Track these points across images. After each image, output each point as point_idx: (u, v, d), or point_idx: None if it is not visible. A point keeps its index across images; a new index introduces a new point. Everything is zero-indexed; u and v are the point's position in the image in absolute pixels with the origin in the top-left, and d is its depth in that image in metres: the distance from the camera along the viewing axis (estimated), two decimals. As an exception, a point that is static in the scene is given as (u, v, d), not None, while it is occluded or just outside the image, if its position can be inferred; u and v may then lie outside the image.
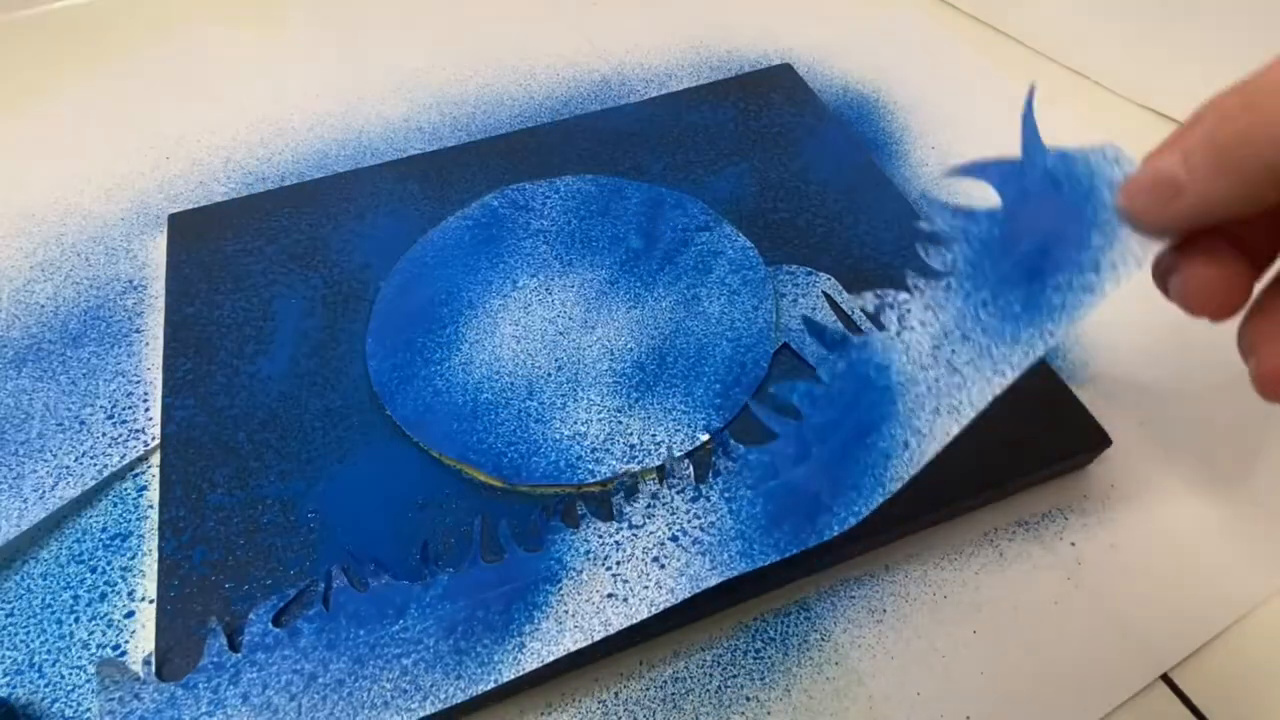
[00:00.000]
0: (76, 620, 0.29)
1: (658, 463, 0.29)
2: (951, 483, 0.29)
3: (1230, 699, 0.27)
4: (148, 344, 0.36)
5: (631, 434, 0.30)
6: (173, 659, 0.26)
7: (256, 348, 0.33)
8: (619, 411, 0.31)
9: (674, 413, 0.31)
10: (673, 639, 0.28)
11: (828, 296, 0.34)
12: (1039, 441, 0.30)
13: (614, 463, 0.30)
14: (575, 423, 0.31)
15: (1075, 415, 0.31)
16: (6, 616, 0.29)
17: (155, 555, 0.29)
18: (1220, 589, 0.29)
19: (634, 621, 0.25)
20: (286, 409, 0.32)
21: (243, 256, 0.37)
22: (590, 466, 0.29)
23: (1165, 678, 0.28)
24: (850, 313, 0.34)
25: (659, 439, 0.30)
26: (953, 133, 0.44)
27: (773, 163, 0.40)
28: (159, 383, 0.33)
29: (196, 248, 0.37)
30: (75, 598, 0.29)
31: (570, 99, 0.46)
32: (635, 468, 0.29)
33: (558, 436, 0.30)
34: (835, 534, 0.25)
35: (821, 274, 0.35)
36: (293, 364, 0.33)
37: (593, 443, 0.30)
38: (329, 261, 0.36)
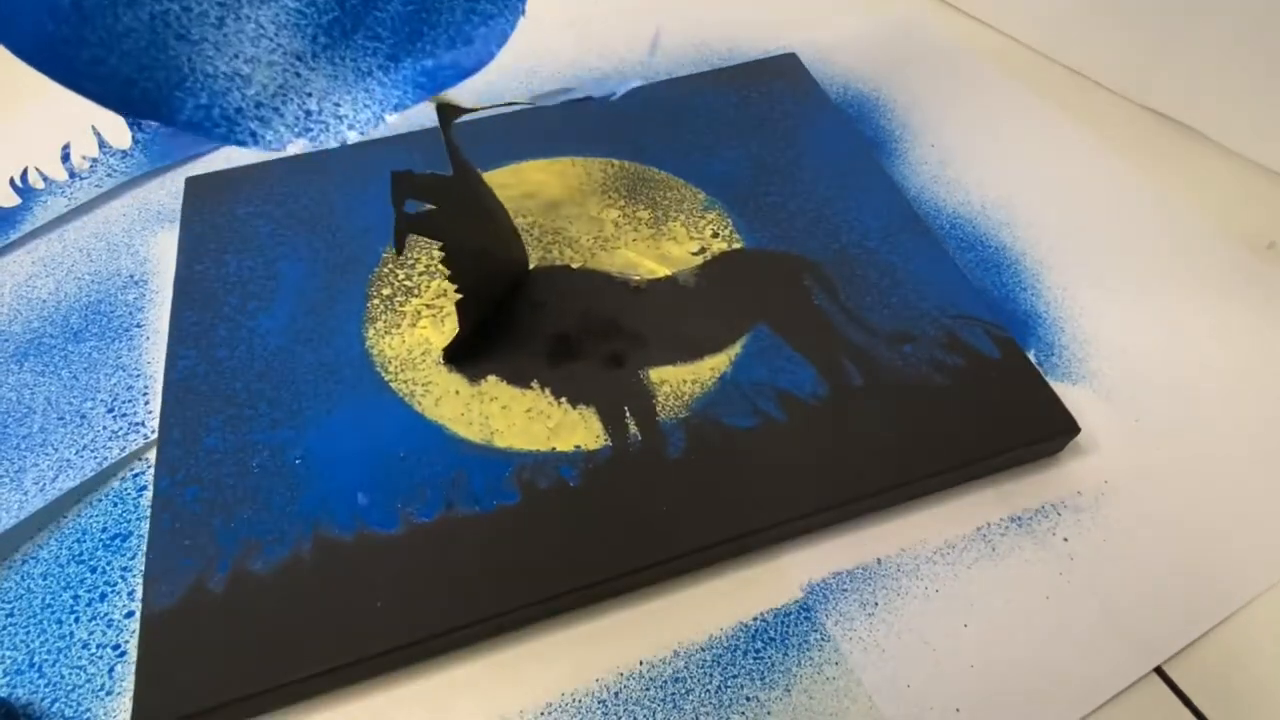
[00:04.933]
0: (76, 620, 0.27)
1: (334, 144, 0.23)
2: (919, 456, 0.29)
3: (1224, 692, 0.26)
4: (149, 339, 0.34)
5: (311, 95, 0.23)
6: (160, 585, 0.26)
7: (259, 304, 0.34)
8: (299, 59, 0.23)
9: (369, 79, 0.23)
10: (672, 639, 0.27)
11: None
12: (1007, 424, 0.30)
13: (283, 129, 0.23)
14: (236, 56, 0.22)
15: (1045, 401, 0.31)
16: (6, 616, 0.28)
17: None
18: (1213, 583, 0.28)
19: None
20: (282, 362, 0.32)
21: (253, 219, 0.37)
22: (252, 126, 0.22)
23: (1159, 671, 0.27)
24: None
25: (342, 112, 0.23)
26: (952, 131, 0.43)
27: (769, 147, 0.39)
28: (159, 377, 0.33)
29: (210, 209, 0.37)
30: (75, 598, 0.28)
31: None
32: (306, 142, 0.23)
33: (210, 70, 0.22)
34: None
35: None
36: (291, 321, 0.33)
37: (258, 94, 0.22)
38: (333, 225, 0.37)
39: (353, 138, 0.23)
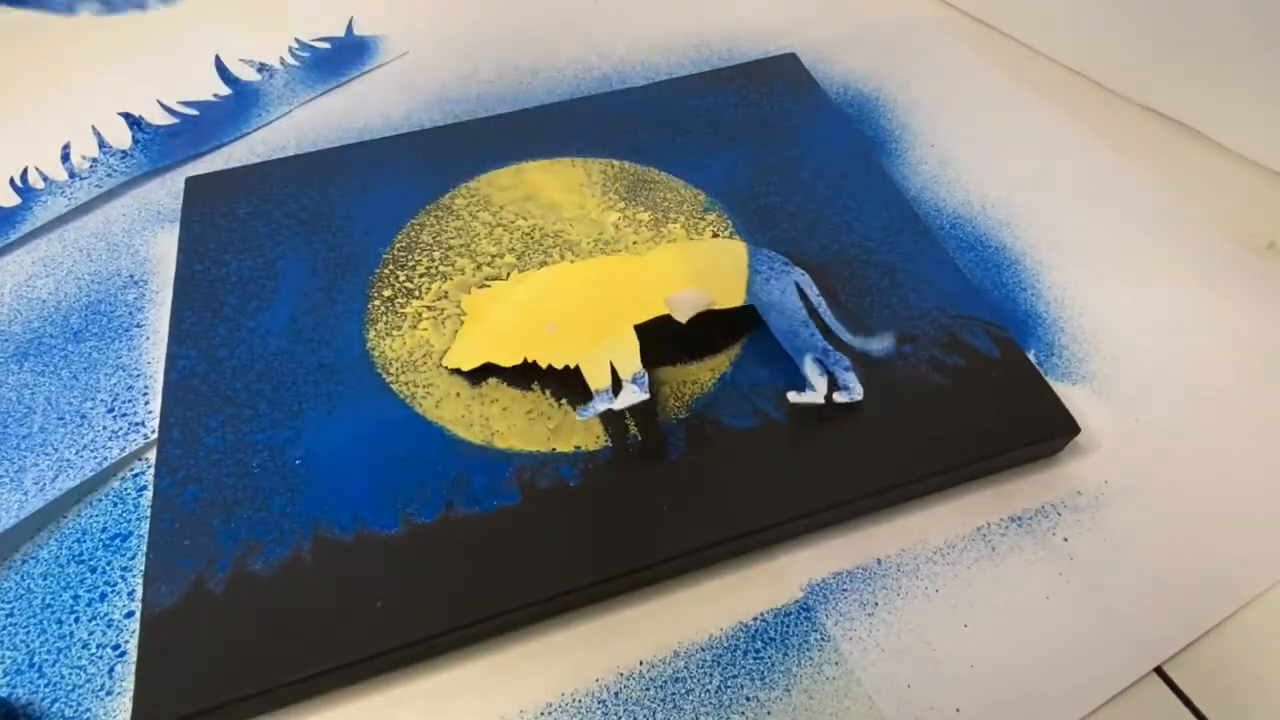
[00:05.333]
0: (76, 620, 0.27)
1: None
2: (919, 456, 0.29)
3: (1223, 692, 0.26)
4: (148, 339, 0.34)
5: None
6: (160, 585, 0.26)
7: (259, 304, 0.34)
8: None
9: None
10: (672, 639, 0.27)
11: (798, 287, 0.32)
12: (1007, 424, 0.30)
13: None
14: None
15: (1045, 401, 0.30)
16: (6, 616, 0.27)
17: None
18: (1213, 584, 0.28)
19: None
20: (282, 363, 0.32)
21: (253, 219, 0.37)
22: None
23: (1159, 671, 0.27)
24: (816, 306, 0.32)
25: None
26: (951, 131, 0.43)
27: (769, 147, 0.39)
28: (159, 377, 0.32)
29: (210, 209, 0.37)
30: (75, 598, 0.28)
31: (571, 97, 0.44)
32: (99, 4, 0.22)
33: None
34: None
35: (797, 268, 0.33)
36: (291, 321, 0.33)
37: None
38: (333, 226, 0.36)
39: None
